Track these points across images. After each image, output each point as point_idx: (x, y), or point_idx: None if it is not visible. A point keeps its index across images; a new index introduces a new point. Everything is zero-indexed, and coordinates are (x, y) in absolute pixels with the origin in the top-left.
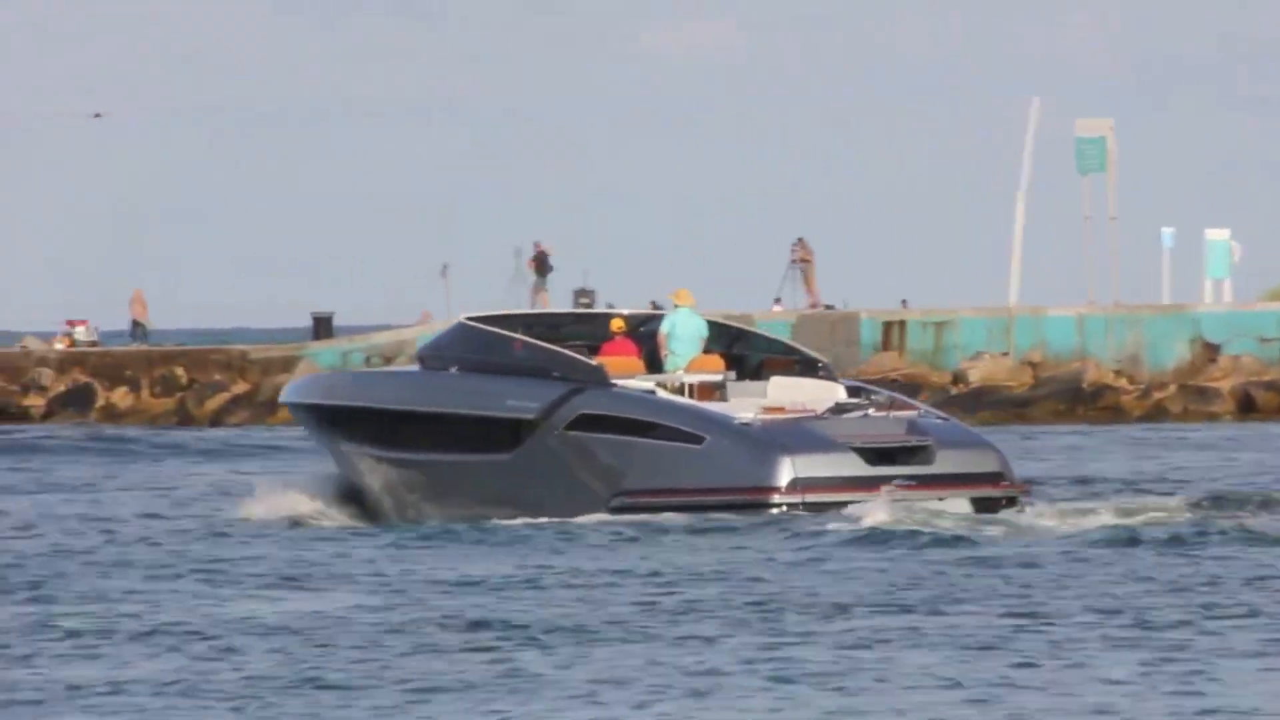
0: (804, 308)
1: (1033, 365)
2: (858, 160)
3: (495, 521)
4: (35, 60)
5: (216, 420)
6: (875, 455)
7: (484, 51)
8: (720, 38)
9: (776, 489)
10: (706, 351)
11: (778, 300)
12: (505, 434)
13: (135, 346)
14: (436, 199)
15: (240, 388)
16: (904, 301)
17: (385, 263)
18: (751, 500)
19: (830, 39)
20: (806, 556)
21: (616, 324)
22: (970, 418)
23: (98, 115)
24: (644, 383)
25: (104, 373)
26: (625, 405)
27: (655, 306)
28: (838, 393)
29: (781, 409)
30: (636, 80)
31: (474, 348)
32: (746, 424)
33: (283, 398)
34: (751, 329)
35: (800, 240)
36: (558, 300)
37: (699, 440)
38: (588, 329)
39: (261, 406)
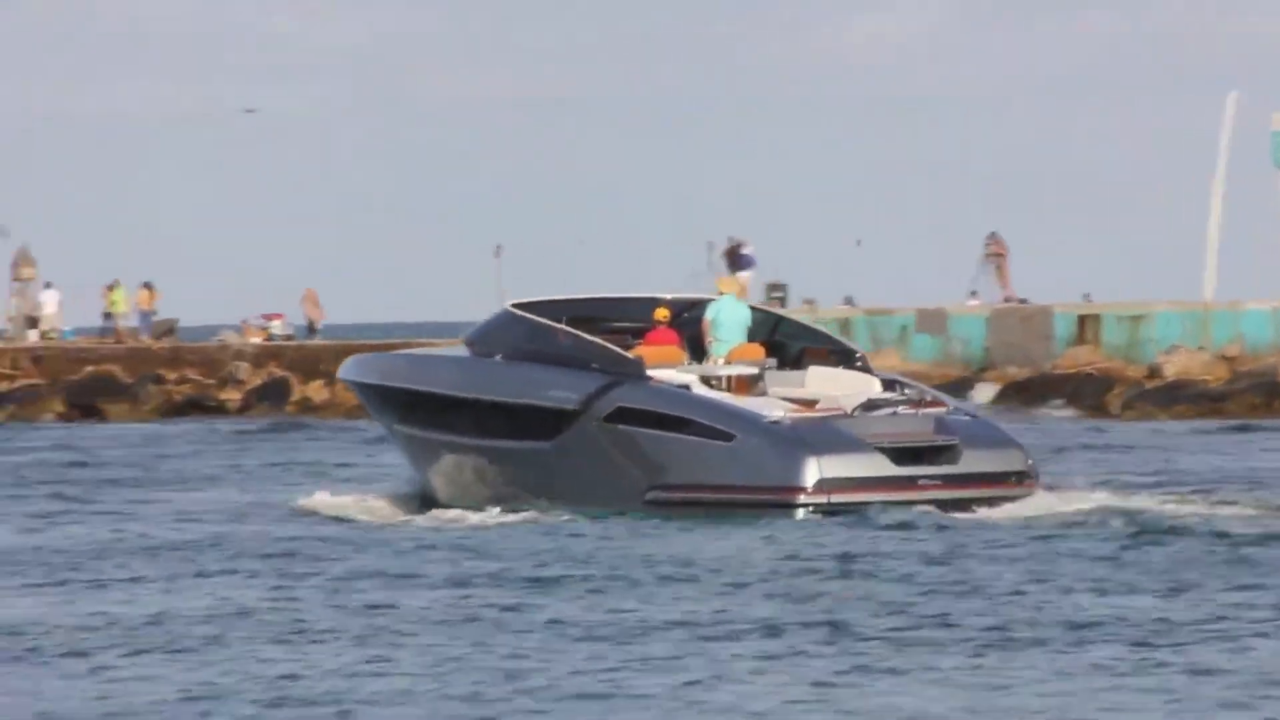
0: (998, 301)
1: (1229, 359)
2: (1050, 153)
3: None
4: (183, 57)
5: None
6: (902, 455)
7: (682, 46)
8: (913, 29)
9: (803, 489)
10: (749, 339)
11: (973, 294)
12: (546, 423)
13: (325, 341)
14: (631, 192)
15: None
16: (1087, 296)
17: (569, 256)
18: (778, 499)
19: (1025, 30)
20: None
21: (660, 313)
22: (1165, 411)
23: (250, 110)
24: (684, 374)
25: (299, 366)
26: (661, 400)
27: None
28: (873, 385)
29: (812, 405)
30: (821, 72)
31: (519, 336)
32: (776, 422)
33: (340, 374)
34: (793, 318)
35: (994, 234)
36: (751, 295)
37: (729, 438)
38: (632, 315)
39: None
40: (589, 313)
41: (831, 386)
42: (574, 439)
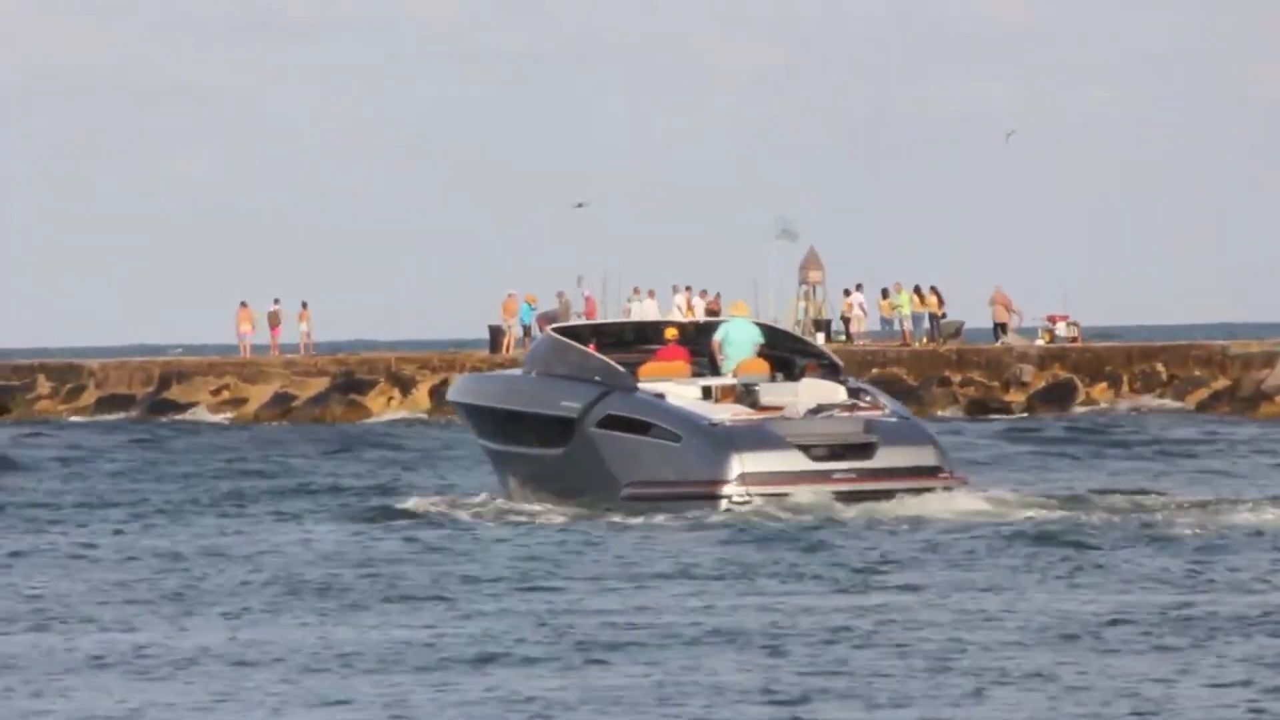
0: None
1: None
2: None
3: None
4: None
5: None
6: (819, 452)
7: None
8: None
9: (727, 482)
10: (761, 355)
11: None
12: (560, 430)
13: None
14: None
15: (1220, 383)
16: None
17: None
18: (709, 492)
19: None
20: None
21: (669, 332)
22: None
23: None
24: (678, 386)
25: (1084, 368)
26: (636, 407)
27: None
28: (839, 394)
29: (776, 410)
30: None
31: (548, 355)
32: (714, 425)
33: (448, 395)
34: (801, 336)
35: None
36: None
37: (678, 439)
38: (652, 336)
39: (1243, 402)
40: (618, 335)
41: (810, 395)
42: (577, 443)
